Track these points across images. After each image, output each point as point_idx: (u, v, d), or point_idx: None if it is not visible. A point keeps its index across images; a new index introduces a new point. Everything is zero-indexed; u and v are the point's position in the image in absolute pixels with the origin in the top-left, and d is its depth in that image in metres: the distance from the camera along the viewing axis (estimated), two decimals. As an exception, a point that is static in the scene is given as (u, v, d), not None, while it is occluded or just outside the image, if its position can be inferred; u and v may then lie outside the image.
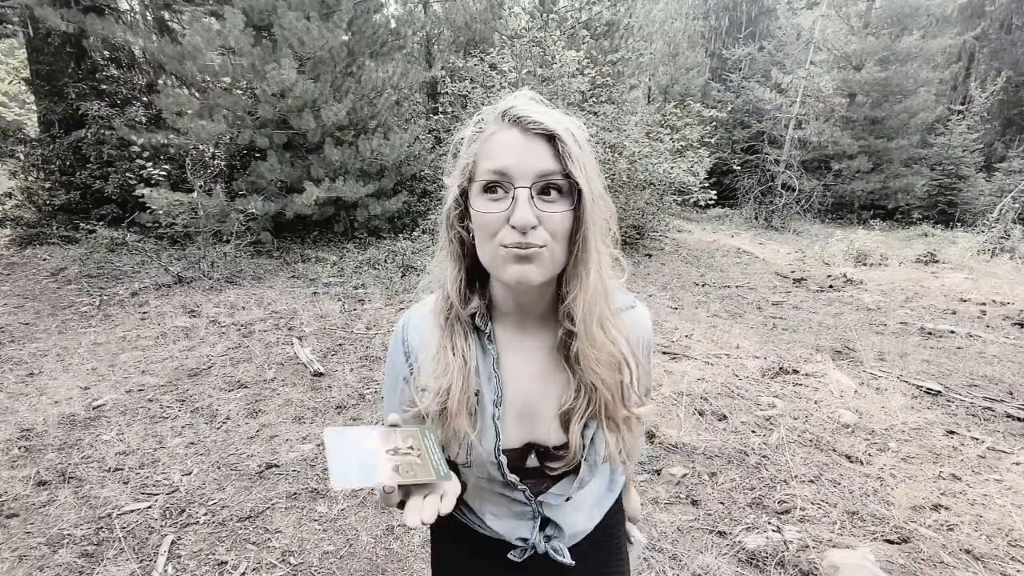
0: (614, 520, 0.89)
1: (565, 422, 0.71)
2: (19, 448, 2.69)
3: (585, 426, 0.71)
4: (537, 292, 0.69)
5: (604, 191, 0.67)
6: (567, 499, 0.77)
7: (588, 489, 0.81)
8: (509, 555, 0.78)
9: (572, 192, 0.63)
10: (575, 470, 0.74)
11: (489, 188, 0.63)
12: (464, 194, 0.68)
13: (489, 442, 0.70)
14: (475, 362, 0.71)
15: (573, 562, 0.77)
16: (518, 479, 0.73)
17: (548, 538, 0.78)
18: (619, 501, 0.90)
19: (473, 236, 0.68)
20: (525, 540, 0.77)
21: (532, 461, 0.74)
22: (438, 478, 0.58)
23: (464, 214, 0.70)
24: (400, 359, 0.78)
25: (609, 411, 0.70)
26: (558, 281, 0.69)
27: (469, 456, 0.71)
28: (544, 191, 0.63)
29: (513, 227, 0.61)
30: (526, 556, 0.78)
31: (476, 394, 0.70)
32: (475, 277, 0.73)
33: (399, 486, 0.57)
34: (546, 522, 0.78)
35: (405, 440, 0.60)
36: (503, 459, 0.71)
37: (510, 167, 0.61)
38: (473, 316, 0.72)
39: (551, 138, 0.62)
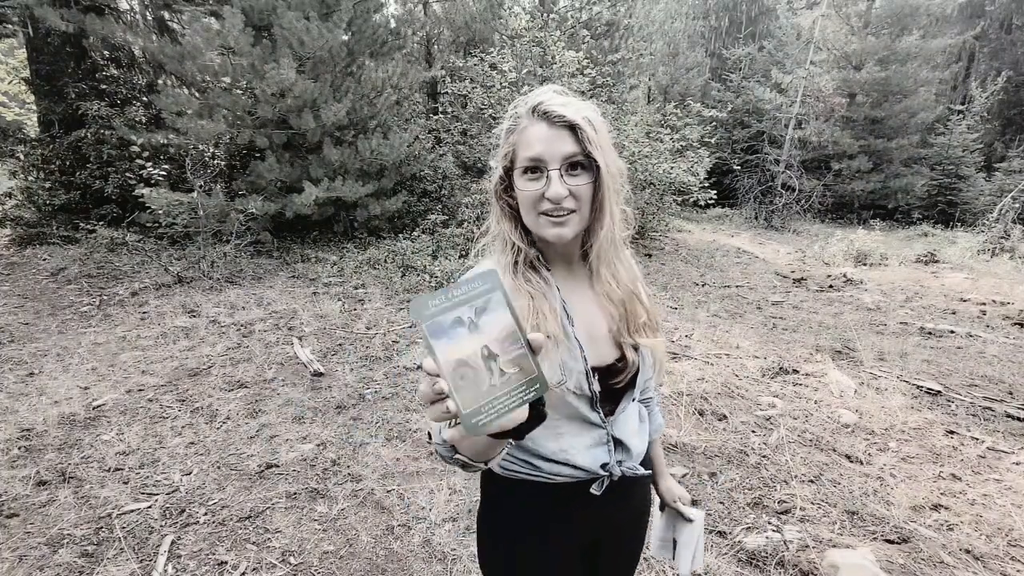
0: (647, 462, 1.06)
1: (616, 340, 0.89)
2: (19, 448, 2.69)
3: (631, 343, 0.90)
4: (571, 243, 0.88)
5: (617, 158, 0.85)
6: (632, 399, 0.93)
7: (632, 416, 0.96)
8: (591, 489, 0.89)
9: (592, 167, 0.80)
10: (630, 385, 0.92)
11: (528, 171, 0.82)
12: (507, 172, 0.87)
13: (577, 354, 0.85)
14: (544, 292, 0.86)
15: (649, 471, 0.96)
16: (599, 393, 0.87)
17: (620, 462, 0.91)
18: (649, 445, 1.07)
19: (517, 205, 0.87)
20: (605, 466, 0.89)
21: (596, 385, 0.87)
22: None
23: (508, 188, 0.88)
24: None
25: (628, 331, 0.89)
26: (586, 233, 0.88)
27: (564, 373, 0.83)
28: (571, 167, 0.80)
29: (548, 199, 0.80)
30: (604, 487, 0.90)
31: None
32: (526, 231, 0.89)
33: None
34: (616, 446, 0.91)
35: (514, 361, 0.51)
36: (589, 368, 0.85)
37: (543, 154, 0.80)
38: (537, 258, 0.89)
39: (572, 127, 0.79)
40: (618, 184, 0.85)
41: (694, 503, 2.37)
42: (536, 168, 0.80)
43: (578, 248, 0.90)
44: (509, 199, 0.88)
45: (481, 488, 1.00)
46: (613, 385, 0.89)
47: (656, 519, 1.21)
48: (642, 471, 0.94)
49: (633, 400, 0.94)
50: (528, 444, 0.88)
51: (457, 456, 0.67)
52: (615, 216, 0.86)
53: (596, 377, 0.87)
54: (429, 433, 0.78)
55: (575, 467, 0.88)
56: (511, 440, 0.63)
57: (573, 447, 0.88)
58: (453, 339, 0.47)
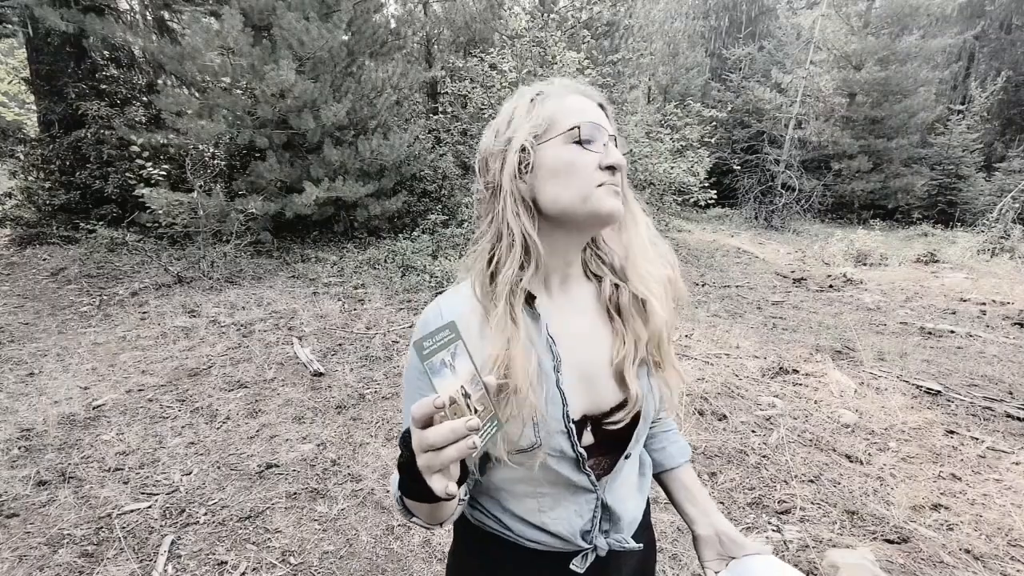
0: (648, 510, 0.90)
1: (619, 374, 0.74)
2: (19, 448, 2.69)
3: (636, 374, 0.75)
4: (574, 244, 0.76)
5: None
6: (626, 457, 0.77)
7: (631, 473, 0.82)
8: (572, 565, 0.75)
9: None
10: (628, 435, 0.76)
11: (581, 140, 0.70)
12: (523, 150, 0.73)
13: (556, 410, 0.70)
14: (527, 331, 0.70)
15: (640, 545, 0.79)
16: (585, 455, 0.72)
17: (606, 532, 0.77)
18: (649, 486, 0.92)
19: (531, 195, 0.72)
20: (586, 535, 0.76)
21: (588, 438, 0.74)
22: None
23: (523, 170, 0.73)
24: None
25: (662, 350, 0.77)
26: (593, 237, 0.79)
27: (538, 433, 0.69)
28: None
29: (611, 167, 0.70)
30: (588, 564, 0.76)
31: (538, 364, 0.70)
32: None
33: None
34: (604, 513, 0.77)
35: (479, 400, 0.54)
36: (572, 426, 0.70)
37: (598, 120, 0.72)
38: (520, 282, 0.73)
39: (603, 108, 0.75)
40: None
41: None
42: (590, 138, 0.70)
43: (579, 251, 0.78)
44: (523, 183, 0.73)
45: (454, 529, 0.88)
46: (609, 432, 0.74)
47: None
48: (632, 545, 0.78)
49: (637, 445, 0.79)
50: (501, 498, 0.77)
51: (415, 520, 0.67)
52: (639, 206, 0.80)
53: (589, 427, 0.73)
54: (400, 495, 0.67)
55: (550, 534, 0.75)
56: (444, 498, 0.54)
57: (549, 510, 0.75)
58: (445, 378, 0.51)
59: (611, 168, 0.70)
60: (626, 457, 0.77)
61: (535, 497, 0.75)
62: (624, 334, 0.75)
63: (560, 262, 0.76)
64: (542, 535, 0.75)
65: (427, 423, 0.50)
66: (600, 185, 0.69)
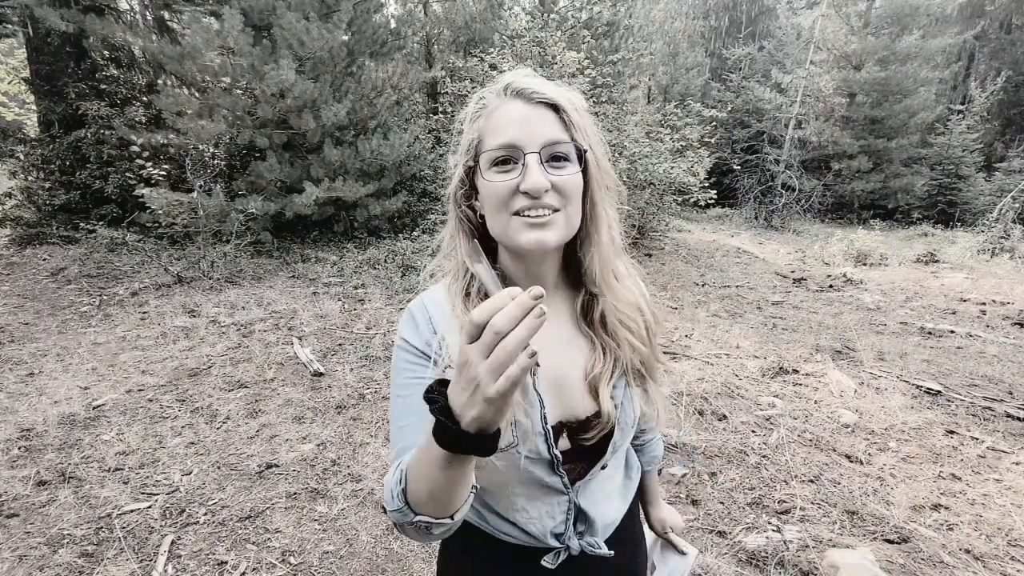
0: (635, 511, 0.90)
1: (593, 388, 0.71)
2: (19, 448, 2.69)
3: (613, 387, 0.72)
4: (548, 259, 0.71)
5: (606, 157, 0.70)
6: (603, 467, 0.76)
7: (610, 478, 0.81)
8: (543, 561, 0.74)
9: (579, 157, 0.65)
10: (605, 446, 0.74)
11: (499, 162, 0.64)
12: (469, 172, 0.69)
13: (534, 412, 0.68)
14: None
15: (612, 552, 0.77)
16: (560, 457, 0.70)
17: (580, 534, 0.76)
18: (636, 492, 0.91)
19: (480, 214, 0.70)
20: (559, 536, 0.75)
21: (564, 443, 0.72)
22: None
23: (470, 192, 0.71)
24: (426, 335, 0.70)
25: (645, 365, 0.74)
26: (568, 246, 0.70)
27: (515, 432, 0.67)
28: (553, 159, 0.64)
29: (526, 192, 0.62)
30: (560, 561, 0.74)
31: None
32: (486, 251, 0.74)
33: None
34: (578, 515, 0.76)
35: None
36: (549, 429, 0.69)
37: (518, 137, 0.63)
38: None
39: (555, 108, 0.65)
40: (608, 181, 0.70)
41: (694, 503, 2.38)
42: (508, 159, 0.63)
43: (556, 265, 0.74)
44: (469, 208, 0.71)
45: None
46: (583, 443, 0.73)
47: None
48: (602, 551, 0.76)
49: (615, 457, 0.78)
50: (480, 492, 0.74)
51: (419, 518, 0.58)
52: (612, 219, 0.70)
53: (565, 433, 0.72)
54: (383, 506, 0.64)
55: (523, 531, 0.74)
56: (476, 457, 0.51)
57: (522, 508, 0.74)
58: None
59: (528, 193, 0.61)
60: (602, 467, 0.75)
61: (509, 495, 0.74)
62: (602, 348, 0.72)
63: (523, 275, 0.72)
64: (515, 530, 0.75)
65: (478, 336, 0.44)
66: (516, 213, 0.63)
